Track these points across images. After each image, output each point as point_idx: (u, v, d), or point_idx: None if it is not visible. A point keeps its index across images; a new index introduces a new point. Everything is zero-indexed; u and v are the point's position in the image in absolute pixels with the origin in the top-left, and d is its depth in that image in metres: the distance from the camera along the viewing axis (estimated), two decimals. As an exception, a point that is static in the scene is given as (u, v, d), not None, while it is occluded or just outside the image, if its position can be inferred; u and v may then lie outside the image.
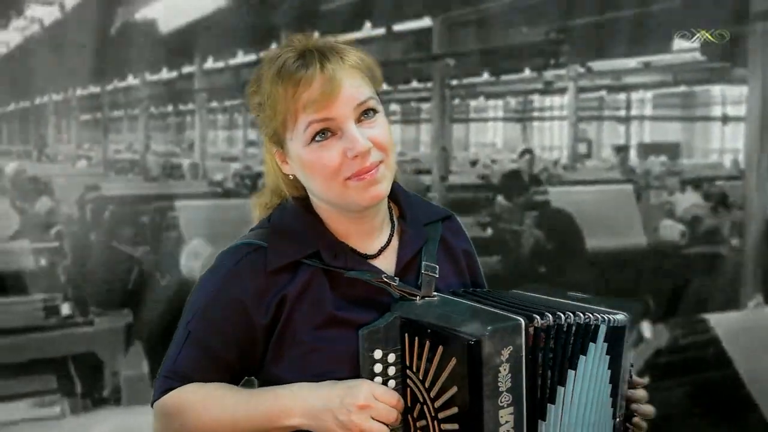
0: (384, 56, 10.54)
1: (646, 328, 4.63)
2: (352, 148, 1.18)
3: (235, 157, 16.22)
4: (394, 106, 25.37)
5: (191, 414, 1.23)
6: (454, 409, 1.13)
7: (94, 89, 16.63)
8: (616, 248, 5.92)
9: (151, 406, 1.28)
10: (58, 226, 6.93)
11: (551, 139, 23.53)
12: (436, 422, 1.15)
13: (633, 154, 17.12)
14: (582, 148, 18.36)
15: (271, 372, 1.25)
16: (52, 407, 4.61)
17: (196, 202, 6.43)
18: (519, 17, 8.36)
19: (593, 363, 1.21)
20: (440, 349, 1.13)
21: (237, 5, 8.47)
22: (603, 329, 1.22)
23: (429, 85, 10.84)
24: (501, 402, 1.12)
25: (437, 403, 1.15)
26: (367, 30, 9.64)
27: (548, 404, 1.18)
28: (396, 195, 1.35)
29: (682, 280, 5.58)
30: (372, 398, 1.14)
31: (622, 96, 20.00)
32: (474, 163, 15.70)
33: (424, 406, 1.16)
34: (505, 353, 1.12)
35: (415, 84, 15.97)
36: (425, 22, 9.02)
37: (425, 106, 22.63)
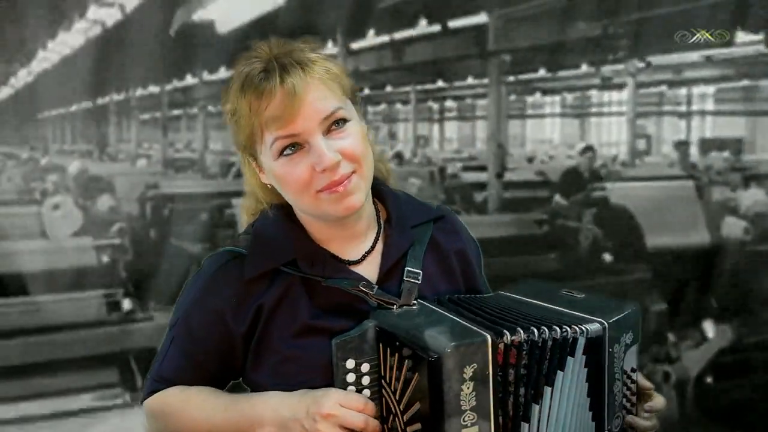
0: (439, 53, 10.52)
1: (710, 328, 4.54)
2: (319, 162, 1.15)
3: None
4: (449, 103, 25.34)
5: (173, 417, 1.26)
6: (418, 425, 1.10)
7: (154, 89, 16.93)
8: (678, 246, 5.78)
9: (141, 404, 1.32)
10: (120, 224, 7.07)
11: (609, 135, 23.22)
12: None
13: (694, 149, 16.74)
14: (641, 144, 18.07)
15: (251, 378, 1.25)
16: (114, 400, 4.70)
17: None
18: (576, 12, 8.26)
19: (571, 378, 1.16)
20: (407, 362, 1.11)
21: (294, 4, 8.51)
22: (581, 342, 1.16)
23: (485, 81, 10.77)
24: (464, 421, 1.08)
25: (406, 417, 1.12)
26: (423, 27, 9.64)
27: (522, 422, 1.14)
28: (383, 197, 1.32)
29: (746, 279, 5.44)
30: (337, 407, 1.13)
31: (682, 91, 19.63)
32: (531, 160, 15.56)
33: (396, 418, 1.13)
34: (468, 371, 1.07)
35: (470, 80, 15.89)
36: (481, 17, 8.96)
37: (481, 102, 22.55)
